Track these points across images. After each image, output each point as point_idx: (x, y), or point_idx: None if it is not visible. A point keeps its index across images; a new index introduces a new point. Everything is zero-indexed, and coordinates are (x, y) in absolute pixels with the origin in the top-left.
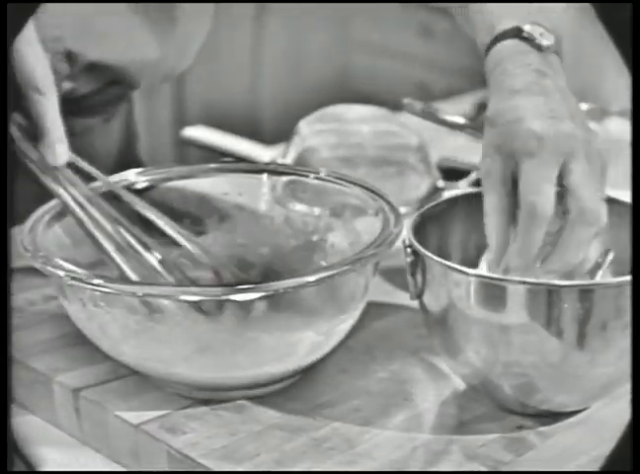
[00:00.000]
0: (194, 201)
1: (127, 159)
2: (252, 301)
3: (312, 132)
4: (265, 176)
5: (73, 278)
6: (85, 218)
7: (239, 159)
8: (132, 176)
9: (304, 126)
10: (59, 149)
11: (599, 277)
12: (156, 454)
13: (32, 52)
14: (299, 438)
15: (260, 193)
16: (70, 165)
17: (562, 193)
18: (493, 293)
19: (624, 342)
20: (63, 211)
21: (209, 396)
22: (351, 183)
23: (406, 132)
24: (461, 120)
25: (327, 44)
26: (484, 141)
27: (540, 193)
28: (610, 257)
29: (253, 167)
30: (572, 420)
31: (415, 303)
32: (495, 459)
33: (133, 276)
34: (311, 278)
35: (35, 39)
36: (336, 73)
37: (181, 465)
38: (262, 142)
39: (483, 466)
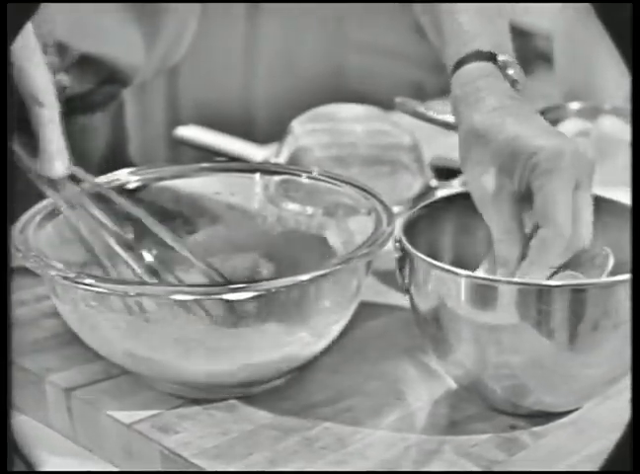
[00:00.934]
0: (186, 201)
1: (118, 158)
2: (243, 301)
3: (305, 132)
4: (257, 175)
5: (65, 278)
6: (79, 223)
7: (232, 158)
8: (124, 175)
9: (297, 126)
10: (58, 162)
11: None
12: (148, 454)
13: (33, 65)
14: (291, 438)
15: (252, 192)
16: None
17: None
18: (483, 294)
19: (615, 342)
20: (55, 211)
21: (202, 395)
22: (343, 182)
23: (399, 132)
24: (454, 120)
25: (321, 44)
26: (472, 159)
27: (563, 211)
28: (612, 261)
29: (245, 166)
30: (564, 419)
31: (408, 303)
32: (487, 459)
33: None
34: (303, 278)
35: (37, 52)
36: (329, 72)
37: (173, 465)
38: (255, 142)
39: (475, 466)
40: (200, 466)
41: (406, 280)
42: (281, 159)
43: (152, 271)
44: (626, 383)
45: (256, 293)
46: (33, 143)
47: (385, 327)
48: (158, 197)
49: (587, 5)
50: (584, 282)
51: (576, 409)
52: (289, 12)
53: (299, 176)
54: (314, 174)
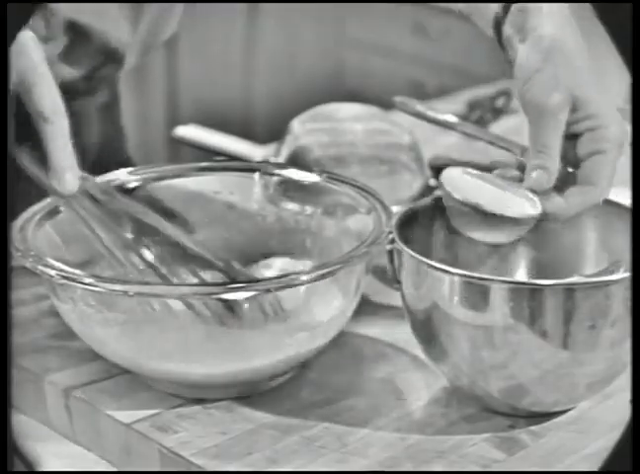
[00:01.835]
0: (185, 200)
1: (115, 156)
2: (243, 299)
3: (304, 131)
4: (257, 175)
5: (64, 278)
6: (87, 217)
7: (231, 158)
8: (124, 175)
9: (297, 125)
10: (69, 178)
11: None
12: (148, 453)
13: (40, 81)
14: (291, 437)
15: (252, 192)
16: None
17: None
18: (476, 293)
19: (610, 340)
20: (54, 211)
21: (201, 395)
22: (343, 181)
23: (398, 131)
24: (454, 119)
25: (320, 43)
26: (548, 69)
27: (609, 179)
28: (623, 267)
29: (245, 166)
30: (563, 419)
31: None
32: (487, 458)
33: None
34: (302, 277)
35: (44, 67)
36: (329, 72)
37: (172, 464)
38: (254, 141)
39: (475, 465)
40: (199, 466)
41: (397, 273)
42: (281, 158)
43: (154, 269)
44: (625, 382)
45: (255, 293)
46: (43, 158)
47: (384, 326)
48: (157, 197)
49: (586, 5)
50: (576, 281)
51: (573, 408)
52: (289, 11)
53: (299, 175)
54: (313, 173)
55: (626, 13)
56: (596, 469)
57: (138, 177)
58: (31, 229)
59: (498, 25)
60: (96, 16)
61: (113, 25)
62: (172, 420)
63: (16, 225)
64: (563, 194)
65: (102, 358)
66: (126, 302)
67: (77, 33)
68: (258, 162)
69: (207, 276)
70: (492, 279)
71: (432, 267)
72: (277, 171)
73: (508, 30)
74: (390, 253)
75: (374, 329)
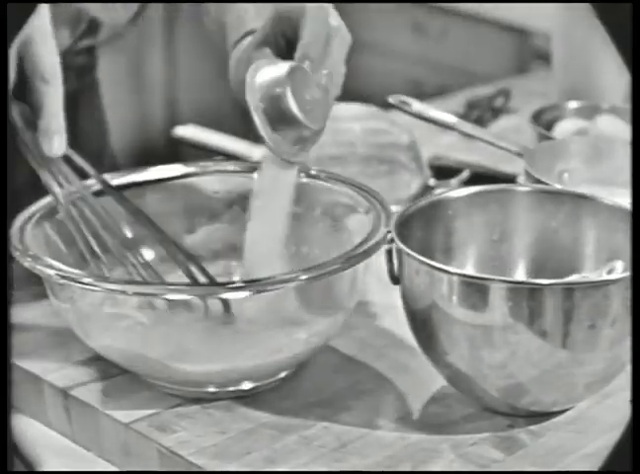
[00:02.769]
0: (184, 200)
1: (100, 153)
2: (241, 299)
3: None
4: (256, 175)
5: (63, 277)
6: (75, 215)
7: (230, 157)
8: (123, 174)
9: None
10: (57, 141)
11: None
12: (147, 453)
13: (42, 41)
14: (290, 437)
15: (251, 191)
16: (66, 160)
17: None
18: (475, 292)
19: (609, 340)
20: (53, 210)
21: (200, 395)
22: (341, 181)
23: (397, 130)
24: (453, 119)
25: None
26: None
27: None
28: (622, 267)
29: (244, 166)
30: (562, 418)
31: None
32: (486, 458)
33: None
34: (301, 277)
35: (47, 29)
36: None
37: (171, 464)
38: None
39: (474, 465)
40: (198, 465)
41: (396, 272)
42: None
43: (151, 269)
44: (624, 382)
45: (253, 292)
46: (32, 119)
47: (383, 325)
48: (156, 197)
49: (586, 5)
50: (576, 281)
51: (572, 408)
52: None
53: (298, 175)
54: (312, 173)
55: (626, 13)
56: (595, 469)
57: (137, 176)
58: (29, 229)
59: None
60: None
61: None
62: (171, 419)
63: (15, 225)
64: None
65: (101, 358)
66: (126, 302)
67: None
68: (257, 162)
69: (201, 276)
70: (491, 279)
71: (431, 266)
72: None
73: None
74: (389, 252)
75: (373, 328)
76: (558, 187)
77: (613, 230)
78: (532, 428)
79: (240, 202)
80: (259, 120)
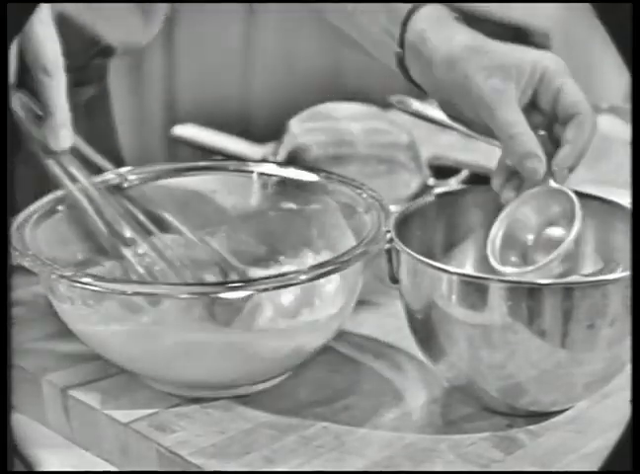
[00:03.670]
0: (182, 200)
1: (105, 154)
2: (241, 299)
3: (303, 130)
4: (255, 174)
5: (62, 277)
6: (88, 207)
7: (229, 157)
8: (121, 173)
9: (295, 124)
10: (63, 133)
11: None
12: (145, 453)
13: (44, 32)
14: (289, 437)
15: (250, 191)
16: (73, 152)
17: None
18: (474, 292)
19: (609, 340)
20: (52, 210)
21: (199, 394)
22: (341, 181)
23: (396, 130)
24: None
25: (318, 42)
26: (472, 68)
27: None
28: (621, 267)
29: (243, 165)
30: (561, 418)
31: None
32: (485, 458)
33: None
34: (301, 276)
35: (49, 20)
36: (327, 71)
37: (170, 463)
38: (252, 140)
39: (473, 465)
40: (197, 465)
41: (395, 271)
42: (279, 158)
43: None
44: (623, 382)
45: (253, 292)
46: (36, 111)
47: (382, 326)
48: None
49: (585, 4)
50: (575, 281)
51: (571, 407)
52: (287, 10)
53: (297, 175)
54: (312, 172)
55: (626, 13)
56: (595, 469)
57: (136, 176)
58: (28, 228)
59: (402, 61)
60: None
61: (105, 22)
62: (170, 419)
63: (14, 224)
64: (555, 159)
65: (99, 358)
66: (125, 301)
67: (68, 25)
68: (256, 161)
69: (208, 274)
70: (490, 279)
71: (430, 266)
72: (275, 170)
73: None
74: (388, 252)
75: (372, 328)
76: (557, 186)
77: (613, 230)
78: (532, 427)
79: (239, 202)
80: None
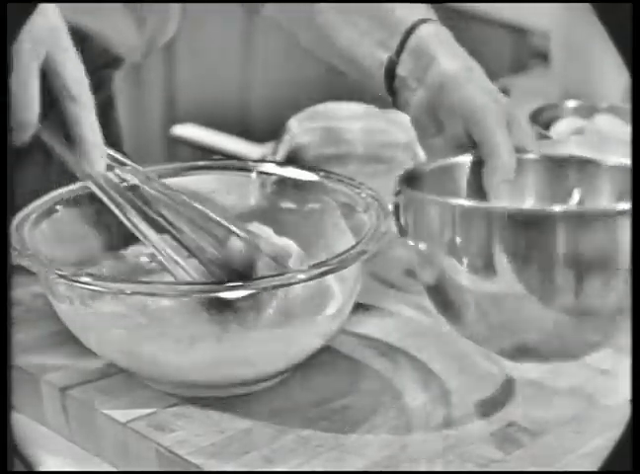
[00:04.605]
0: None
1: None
2: (241, 299)
3: (302, 130)
4: (254, 174)
5: (61, 276)
6: (120, 201)
7: (228, 157)
8: (120, 173)
9: (294, 124)
10: (96, 157)
11: None
12: (144, 452)
13: (65, 59)
14: (288, 436)
15: (249, 191)
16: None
17: None
18: (480, 221)
19: (620, 281)
20: (51, 209)
21: (198, 394)
22: (340, 180)
23: (395, 130)
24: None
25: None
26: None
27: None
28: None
29: (242, 165)
30: (560, 418)
31: (404, 301)
32: (484, 457)
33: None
34: (300, 276)
35: (70, 46)
36: (326, 70)
37: (169, 463)
38: (251, 140)
39: (472, 464)
40: (196, 464)
41: (403, 224)
42: (278, 157)
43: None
44: (622, 381)
45: (253, 291)
46: (67, 137)
47: (381, 326)
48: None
49: (586, 5)
50: (587, 209)
51: (570, 407)
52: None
53: (296, 174)
54: (311, 172)
55: (626, 13)
56: (594, 468)
57: (134, 175)
58: (27, 228)
59: (390, 71)
60: (96, 19)
61: (114, 28)
62: (168, 419)
63: (13, 224)
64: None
65: (98, 358)
66: (124, 301)
67: (77, 37)
68: (255, 161)
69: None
70: (495, 207)
71: (434, 201)
72: (274, 170)
73: (402, 72)
74: (396, 208)
75: (371, 328)
76: (565, 154)
77: (622, 192)
78: (531, 427)
79: (238, 202)
80: None
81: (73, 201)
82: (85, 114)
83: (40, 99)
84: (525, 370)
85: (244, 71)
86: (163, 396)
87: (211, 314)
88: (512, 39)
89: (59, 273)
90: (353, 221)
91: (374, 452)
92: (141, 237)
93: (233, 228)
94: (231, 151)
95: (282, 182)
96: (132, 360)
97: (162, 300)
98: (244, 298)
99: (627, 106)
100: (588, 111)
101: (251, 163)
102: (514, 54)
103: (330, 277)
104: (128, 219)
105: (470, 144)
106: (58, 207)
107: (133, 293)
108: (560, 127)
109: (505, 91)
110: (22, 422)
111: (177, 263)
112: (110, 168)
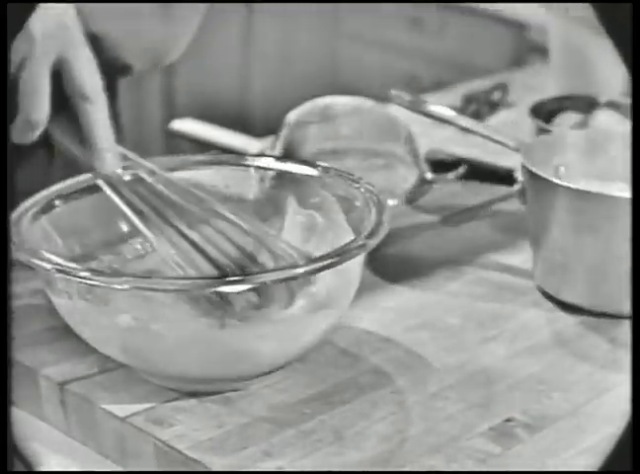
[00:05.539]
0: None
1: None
2: (241, 293)
3: (301, 124)
4: (253, 168)
5: (59, 271)
6: (144, 230)
7: (227, 151)
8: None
9: (293, 119)
10: (110, 157)
11: None
12: (143, 447)
13: (80, 59)
14: (287, 431)
15: (248, 185)
16: None
17: None
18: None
19: None
20: (50, 204)
21: (197, 388)
22: (339, 175)
23: (394, 124)
24: (450, 112)
25: (316, 36)
26: None
27: None
28: None
29: (241, 159)
30: (559, 413)
31: (403, 298)
32: (483, 452)
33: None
34: (300, 270)
35: (83, 46)
36: (325, 65)
37: (168, 458)
38: (250, 134)
39: (471, 459)
40: (194, 459)
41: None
42: (277, 151)
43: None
44: (622, 377)
45: (252, 286)
46: (80, 136)
47: (380, 321)
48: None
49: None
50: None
51: (568, 403)
52: (285, 6)
53: (295, 168)
54: (309, 166)
55: (626, 13)
56: (593, 464)
57: (133, 170)
58: (26, 223)
59: None
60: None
61: (138, 32)
62: (167, 413)
63: (11, 219)
64: None
65: (97, 352)
66: (123, 296)
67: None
68: (254, 155)
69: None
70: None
71: (547, 180)
72: (273, 164)
73: None
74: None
75: (370, 323)
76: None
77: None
78: (530, 422)
79: (237, 196)
80: None
81: (72, 196)
82: (99, 113)
83: (50, 98)
84: (524, 365)
85: (243, 67)
86: (162, 391)
87: (211, 309)
88: (510, 34)
89: (58, 267)
90: (351, 216)
91: (373, 446)
92: (150, 236)
93: (242, 224)
94: (230, 145)
95: (281, 176)
96: (131, 355)
97: (161, 295)
98: (242, 293)
99: (626, 100)
100: (587, 105)
101: (249, 157)
102: (512, 49)
103: (329, 272)
104: (139, 218)
105: None
106: (57, 202)
107: (132, 288)
108: (560, 121)
109: (504, 86)
110: (20, 417)
111: (184, 266)
112: (121, 166)
